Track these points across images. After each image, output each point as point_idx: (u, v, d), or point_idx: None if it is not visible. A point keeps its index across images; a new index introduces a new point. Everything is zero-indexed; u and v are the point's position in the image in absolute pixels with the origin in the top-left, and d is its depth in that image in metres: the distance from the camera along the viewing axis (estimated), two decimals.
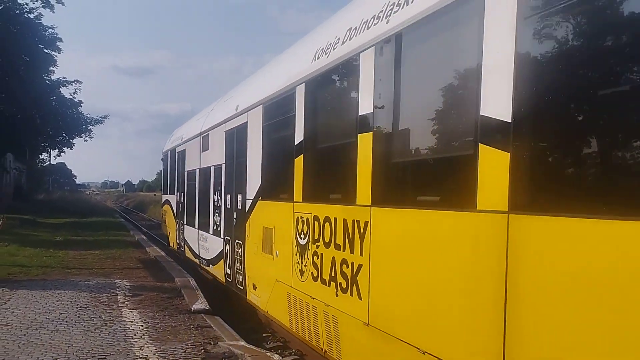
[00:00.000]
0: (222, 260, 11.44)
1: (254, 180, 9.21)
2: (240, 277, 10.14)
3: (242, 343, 7.91)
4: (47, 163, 68.15)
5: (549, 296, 3.36)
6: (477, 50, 3.95)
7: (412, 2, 4.87)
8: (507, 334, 3.69)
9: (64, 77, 41.62)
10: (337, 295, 6.12)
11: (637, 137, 2.98)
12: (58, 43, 38.68)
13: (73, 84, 41.62)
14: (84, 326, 8.74)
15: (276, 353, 7.67)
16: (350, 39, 6.02)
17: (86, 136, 44.20)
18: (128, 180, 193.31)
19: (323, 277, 6.48)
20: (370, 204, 5.42)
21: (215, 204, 12.04)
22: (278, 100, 8.08)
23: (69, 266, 15.20)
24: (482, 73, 3.89)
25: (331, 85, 6.61)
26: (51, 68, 39.92)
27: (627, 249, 2.93)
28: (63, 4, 35.96)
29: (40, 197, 52.37)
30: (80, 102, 43.00)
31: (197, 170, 14.12)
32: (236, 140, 10.36)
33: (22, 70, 35.19)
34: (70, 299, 10.77)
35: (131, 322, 9.07)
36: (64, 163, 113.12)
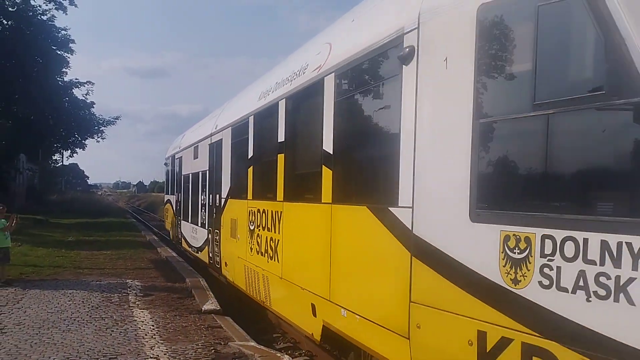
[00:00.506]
0: (207, 246, 14.13)
1: (226, 183, 11.98)
2: (218, 258, 12.86)
3: (253, 343, 7.94)
4: (59, 164, 68.72)
5: (343, 242, 6.42)
6: (319, 114, 6.92)
7: (296, 77, 8.03)
8: (332, 264, 6.64)
9: (76, 79, 41.91)
10: (267, 262, 8.96)
11: (365, 165, 6.12)
12: (70, 44, 38.97)
13: (85, 85, 41.93)
14: (96, 326, 8.82)
15: (286, 354, 7.70)
16: (274, 90, 8.98)
17: (98, 137, 44.49)
18: (140, 181, 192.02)
19: (261, 250, 9.32)
20: (282, 200, 8.30)
21: (202, 202, 14.77)
22: (239, 125, 10.91)
23: (81, 266, 15.34)
24: (323, 127, 6.85)
25: (266, 119, 9.21)
26: (64, 69, 40.22)
27: (361, 217, 5.90)
28: (76, 5, 36.27)
29: (53, 197, 52.77)
30: (93, 103, 43.32)
31: (190, 175, 16.70)
32: (216, 152, 13.07)
33: (35, 72, 35.51)
34: (82, 298, 10.87)
35: (142, 322, 9.14)
36: (76, 164, 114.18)
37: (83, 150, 47.36)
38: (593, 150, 3.62)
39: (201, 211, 14.80)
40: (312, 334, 7.29)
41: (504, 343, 4.03)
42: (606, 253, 3.45)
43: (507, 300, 3.98)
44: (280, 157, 8.36)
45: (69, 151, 48.56)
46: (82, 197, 70.43)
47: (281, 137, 8.37)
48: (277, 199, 8.43)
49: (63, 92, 40.71)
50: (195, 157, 15.77)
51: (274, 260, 8.62)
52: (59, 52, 38.45)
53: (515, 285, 3.97)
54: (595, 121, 3.60)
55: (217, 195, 12.68)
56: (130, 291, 11.74)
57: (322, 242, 6.84)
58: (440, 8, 4.75)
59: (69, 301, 10.63)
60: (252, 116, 9.95)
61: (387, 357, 5.42)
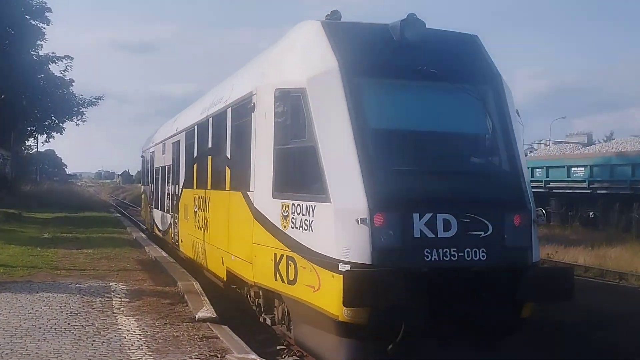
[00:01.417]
0: (170, 228, 18.43)
1: (182, 176, 16.45)
2: (177, 237, 17.20)
3: (253, 356, 7.98)
4: (34, 150, 68.92)
5: (232, 213, 10.71)
6: (225, 132, 11.47)
7: (218, 103, 12.55)
8: (229, 228, 10.97)
9: (53, 53, 41.75)
10: (203, 233, 13.25)
11: (240, 167, 10.51)
12: (47, 13, 38.94)
13: (63, 60, 41.75)
14: (75, 335, 8.89)
15: None
16: (208, 110, 13.43)
17: (78, 119, 44.27)
18: (125, 171, 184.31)
19: (200, 226, 13.60)
20: (210, 188, 12.80)
21: (168, 191, 19.09)
22: (189, 132, 15.45)
23: (59, 267, 15.44)
24: (227, 140, 11.37)
25: (203, 129, 13.64)
26: (39, 42, 40.19)
27: (238, 198, 10.29)
28: None
29: (27, 188, 52.98)
30: (72, 81, 43.08)
31: (160, 168, 21.17)
32: (176, 150, 17.55)
33: (6, 44, 35.56)
34: (60, 303, 10.95)
35: (128, 330, 9.20)
36: (53, 150, 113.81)
37: (61, 134, 47.35)
38: (296, 167, 8.53)
39: (167, 199, 19.40)
40: (223, 277, 11.70)
41: (281, 257, 8.52)
42: (305, 209, 7.98)
43: (282, 236, 8.46)
44: (209, 159, 12.86)
45: (45, 136, 48.63)
46: (59, 188, 70.72)
47: (210, 144, 12.94)
48: (207, 188, 12.97)
49: (38, 68, 40.64)
50: (164, 152, 20.30)
51: (206, 231, 13.00)
52: (33, 22, 38.42)
53: (284, 228, 8.41)
54: (292, 154, 8.59)
55: (177, 186, 17.13)
56: (114, 295, 11.81)
57: (224, 214, 11.22)
58: (262, 85, 9.42)
59: (45, 306, 10.71)
60: (196, 126, 14.48)
61: (245, 276, 10.08)
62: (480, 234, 7.53)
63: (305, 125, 8.20)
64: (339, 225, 7.44)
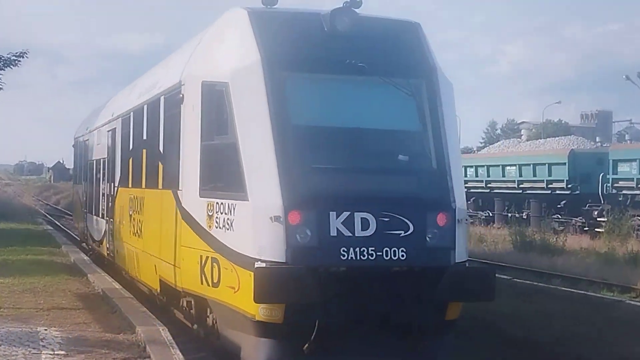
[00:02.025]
0: (105, 237, 17.07)
1: (117, 172, 15.36)
2: (112, 247, 16.14)
3: None
4: None
5: (163, 213, 10.98)
6: (158, 124, 11.62)
7: (152, 89, 12.57)
8: (161, 231, 11.19)
9: None
10: (137, 240, 13.01)
11: (170, 165, 10.86)
12: None
13: None
14: None
15: None
16: (143, 95, 13.31)
17: None
18: (58, 162, 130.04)
19: (135, 231, 13.25)
20: (144, 187, 12.60)
21: (103, 191, 17.34)
22: (125, 118, 14.68)
23: None
24: (160, 133, 11.65)
25: (138, 118, 13.38)
26: None
27: (170, 197, 10.50)
28: None
29: None
30: None
31: (94, 162, 18.88)
32: (112, 140, 16.26)
33: None
34: None
35: None
36: None
37: None
38: (220, 164, 8.96)
39: (102, 201, 17.24)
40: (156, 288, 11.78)
41: (206, 259, 8.97)
42: (227, 208, 8.52)
43: (207, 237, 8.93)
44: (144, 152, 12.63)
45: None
46: None
47: (144, 136, 12.76)
48: (142, 187, 12.75)
49: None
50: (99, 142, 18.18)
51: (140, 237, 12.80)
52: None
53: (209, 229, 8.88)
54: (217, 151, 9.09)
55: (112, 184, 15.81)
56: (43, 347, 9.08)
57: (158, 216, 11.35)
58: (190, 76, 9.90)
59: None
60: (132, 112, 13.92)
61: (170, 281, 10.54)
62: (400, 233, 8.10)
63: (228, 121, 8.67)
64: (256, 224, 8.03)
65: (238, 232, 8.32)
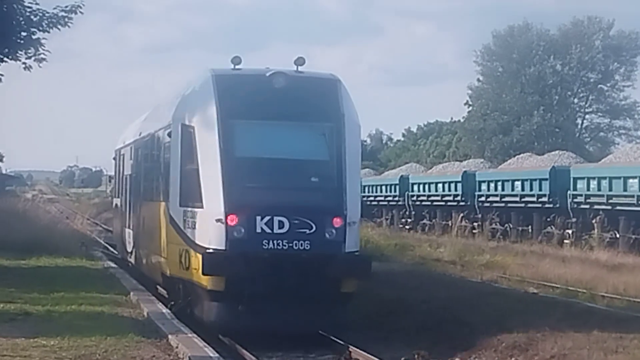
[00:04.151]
0: (135, 248, 19.30)
1: (142, 187, 18.45)
2: (139, 255, 19.10)
3: None
4: None
5: (161, 221, 14.98)
6: (161, 151, 16.01)
7: (156, 123, 16.68)
8: (161, 235, 15.22)
9: None
10: (151, 243, 16.60)
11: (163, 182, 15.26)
12: None
13: None
14: None
15: None
16: (155, 122, 16.96)
17: (28, 56, 19.16)
18: None
19: (149, 236, 16.81)
20: (162, 200, 15.38)
21: (135, 204, 19.36)
22: (148, 140, 18.10)
23: None
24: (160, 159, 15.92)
25: (153, 143, 16.90)
26: None
27: (163, 208, 14.64)
28: None
29: None
30: None
31: (128, 176, 20.58)
32: (137, 157, 19.40)
33: None
34: None
35: None
36: None
37: None
38: (190, 184, 13.09)
39: (131, 214, 19.59)
40: (159, 281, 16.06)
41: (182, 251, 13.06)
42: (193, 214, 12.84)
43: (183, 235, 13.06)
44: (160, 171, 15.85)
45: None
46: None
47: (157, 158, 16.44)
48: (154, 200, 16.08)
49: None
50: (130, 158, 19.70)
51: (152, 241, 16.35)
52: None
53: (185, 229, 13.00)
54: (188, 174, 13.25)
55: (137, 197, 18.73)
56: None
57: (158, 223, 15.12)
58: (176, 118, 13.85)
59: None
60: (152, 135, 16.99)
61: (165, 270, 14.49)
62: (306, 231, 12.09)
63: (194, 154, 12.87)
64: (208, 224, 12.16)
65: (200, 230, 12.46)
